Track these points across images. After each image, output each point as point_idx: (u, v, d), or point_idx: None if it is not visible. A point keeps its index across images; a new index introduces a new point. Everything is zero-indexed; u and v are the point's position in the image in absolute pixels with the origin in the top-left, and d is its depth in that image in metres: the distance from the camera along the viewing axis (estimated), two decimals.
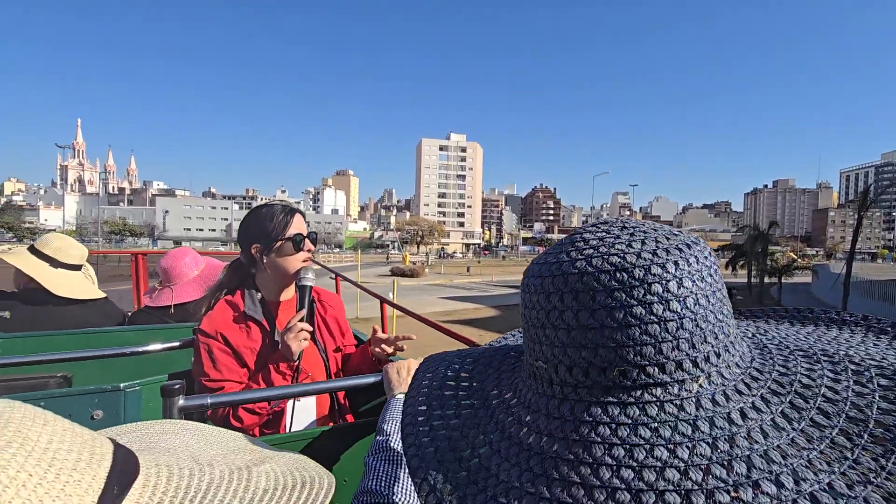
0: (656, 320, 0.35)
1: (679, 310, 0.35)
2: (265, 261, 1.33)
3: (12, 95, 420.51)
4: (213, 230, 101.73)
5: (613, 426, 0.34)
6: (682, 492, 0.30)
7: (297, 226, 1.34)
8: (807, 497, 0.29)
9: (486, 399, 0.45)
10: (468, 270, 43.29)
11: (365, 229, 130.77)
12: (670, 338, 0.35)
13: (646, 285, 0.35)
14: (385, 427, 0.84)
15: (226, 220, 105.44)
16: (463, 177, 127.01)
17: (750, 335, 0.45)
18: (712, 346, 0.36)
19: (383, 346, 1.38)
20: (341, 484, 1.01)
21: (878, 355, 0.40)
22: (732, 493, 0.30)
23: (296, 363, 1.24)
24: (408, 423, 0.47)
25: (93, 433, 0.36)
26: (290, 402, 1.28)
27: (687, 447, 0.32)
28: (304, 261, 1.35)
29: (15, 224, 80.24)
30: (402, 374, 1.03)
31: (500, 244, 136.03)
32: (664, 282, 0.35)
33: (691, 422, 0.34)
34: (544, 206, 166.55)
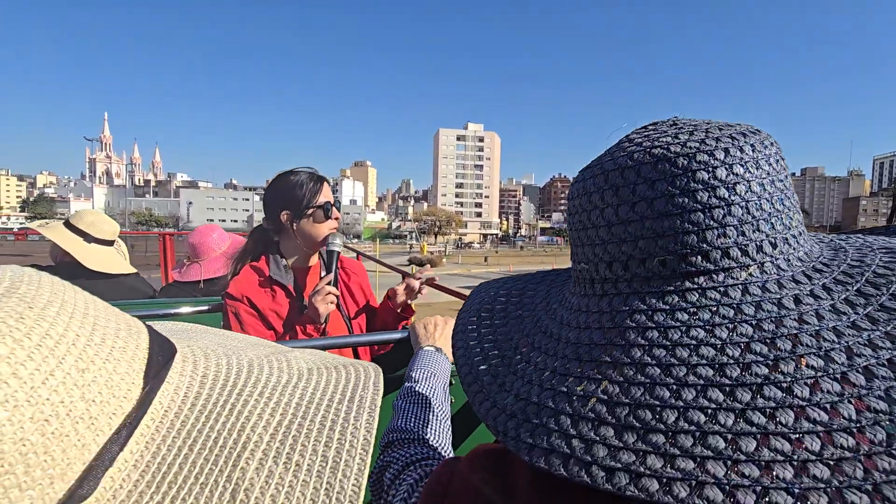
0: (700, 208, 0.33)
1: (727, 196, 0.33)
2: (295, 227, 1.36)
3: (44, 91, 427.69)
4: (235, 221, 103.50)
5: (650, 313, 0.34)
6: (716, 365, 0.29)
7: (325, 194, 1.38)
8: (860, 370, 0.27)
9: (533, 310, 0.46)
10: (486, 260, 43.22)
11: (383, 220, 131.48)
12: (715, 225, 0.33)
13: (689, 173, 0.33)
14: (413, 374, 0.84)
15: (247, 210, 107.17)
16: (480, 167, 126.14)
17: (826, 241, 0.41)
18: (766, 236, 0.34)
19: (409, 282, 1.43)
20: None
21: None
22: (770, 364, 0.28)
23: (322, 325, 1.27)
24: (458, 331, 0.48)
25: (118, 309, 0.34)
26: None
27: (726, 328, 0.31)
28: (330, 228, 1.39)
29: (48, 215, 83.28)
30: (430, 328, 1.04)
31: (518, 234, 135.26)
32: (711, 168, 0.33)
33: (734, 305, 0.32)
34: (563, 195, 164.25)
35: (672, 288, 0.34)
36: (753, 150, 0.35)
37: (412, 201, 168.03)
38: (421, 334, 1.03)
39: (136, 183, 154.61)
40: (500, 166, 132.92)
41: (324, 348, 1.18)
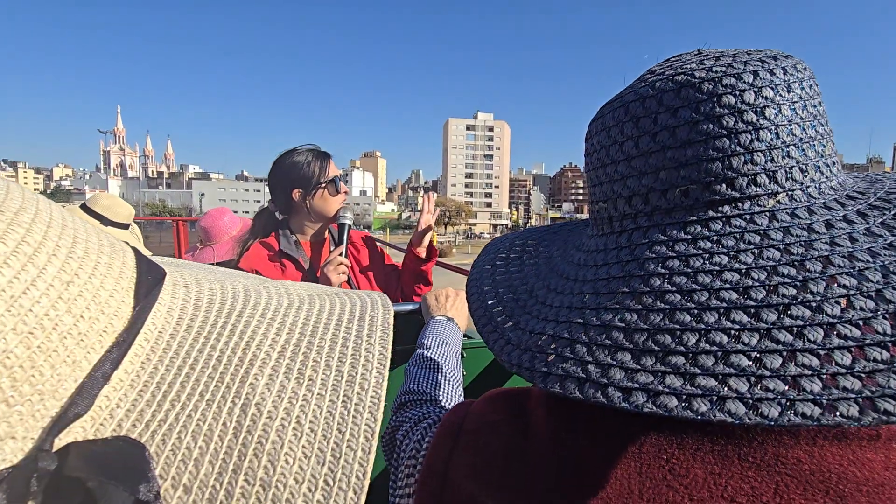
0: (725, 133, 0.31)
1: (754, 120, 0.31)
2: (308, 204, 1.38)
3: (59, 84, 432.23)
4: (247, 212, 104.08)
5: (671, 243, 0.32)
6: (741, 288, 0.28)
7: (332, 169, 1.42)
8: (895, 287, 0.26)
9: (549, 257, 0.44)
10: None
11: (393, 210, 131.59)
12: (741, 150, 0.31)
13: (715, 98, 0.31)
14: (425, 342, 0.84)
15: (258, 202, 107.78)
16: (490, 157, 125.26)
17: (861, 176, 0.38)
18: (797, 162, 0.32)
19: (421, 222, 1.48)
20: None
21: None
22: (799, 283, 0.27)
23: None
24: (472, 279, 0.47)
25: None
26: None
27: (752, 252, 0.29)
28: (342, 202, 1.43)
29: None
30: (441, 299, 1.04)
31: (528, 224, 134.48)
32: (738, 92, 0.31)
33: (761, 231, 0.30)
34: (573, 185, 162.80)
35: (695, 218, 0.32)
36: (785, 73, 0.32)
37: (422, 192, 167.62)
38: (433, 305, 1.03)
39: (150, 175, 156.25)
40: (511, 156, 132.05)
41: None
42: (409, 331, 1.51)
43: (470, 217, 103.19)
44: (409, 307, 1.10)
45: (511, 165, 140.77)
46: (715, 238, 0.31)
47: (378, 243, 1.67)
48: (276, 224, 1.43)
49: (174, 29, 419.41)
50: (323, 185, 1.37)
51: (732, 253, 0.30)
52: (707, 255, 0.30)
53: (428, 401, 0.66)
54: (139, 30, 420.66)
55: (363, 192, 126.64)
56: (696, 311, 0.28)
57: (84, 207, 2.15)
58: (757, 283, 0.28)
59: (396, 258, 1.66)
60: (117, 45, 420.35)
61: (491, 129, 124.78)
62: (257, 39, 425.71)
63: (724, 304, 0.28)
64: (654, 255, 0.32)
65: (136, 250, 0.31)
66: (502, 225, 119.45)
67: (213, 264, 2.25)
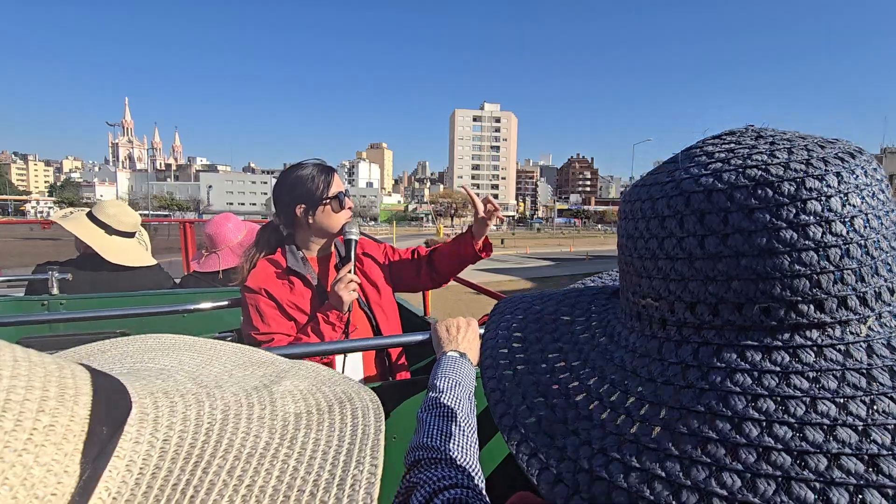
0: (813, 246, 0.27)
1: (844, 233, 0.27)
2: (311, 220, 1.37)
3: (68, 76, 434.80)
4: (254, 204, 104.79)
5: (756, 374, 0.27)
6: (866, 457, 0.23)
7: (337, 184, 1.39)
8: None
9: (575, 343, 0.39)
10: (502, 243, 42.98)
11: (399, 202, 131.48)
12: (832, 268, 0.27)
13: (799, 202, 0.27)
14: (437, 384, 0.82)
15: (265, 194, 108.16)
16: (497, 147, 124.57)
17: None
18: (885, 281, 0.28)
19: (479, 209, 1.42)
20: (390, 440, 1.00)
21: None
22: None
23: (346, 314, 1.28)
24: (488, 367, 0.42)
25: (58, 360, 0.26)
26: (341, 357, 1.31)
27: (863, 402, 0.25)
28: (347, 217, 1.41)
29: (74, 199, 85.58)
30: (452, 331, 1.00)
31: (535, 216, 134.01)
32: (824, 198, 0.27)
33: (864, 371, 0.26)
34: (581, 176, 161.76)
35: (779, 343, 0.28)
36: (866, 175, 0.29)
37: (428, 183, 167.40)
38: (444, 338, 0.99)
39: (158, 167, 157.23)
40: (517, 147, 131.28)
41: (343, 351, 1.14)
42: (424, 351, 1.55)
43: None
44: (420, 338, 1.08)
45: (518, 157, 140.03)
46: (811, 375, 0.26)
47: (373, 240, 1.64)
48: (281, 239, 1.42)
49: (181, 20, 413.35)
50: (326, 201, 1.35)
51: (839, 400, 0.25)
52: (808, 401, 0.25)
53: (443, 460, 0.64)
54: (147, 20, 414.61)
55: (370, 184, 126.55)
56: (817, 485, 0.23)
57: (90, 216, 2.13)
58: (886, 452, 0.23)
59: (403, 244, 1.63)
60: (127, 36, 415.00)
61: (498, 121, 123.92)
62: (264, 31, 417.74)
63: (853, 480, 0.22)
64: (739, 390, 0.27)
65: (96, 382, 0.26)
66: (509, 216, 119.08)
67: (218, 272, 2.29)
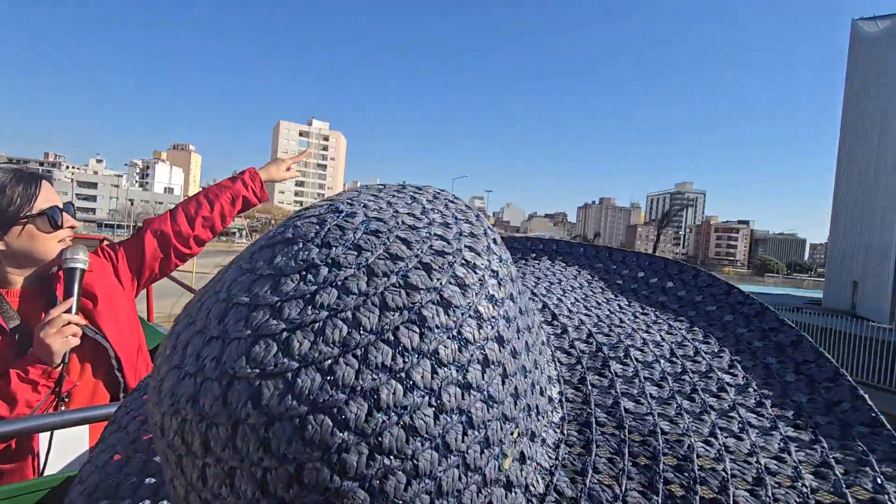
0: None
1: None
2: (6, 246, 1.04)
3: None
4: None
5: None
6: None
7: (47, 196, 1.08)
8: None
9: None
10: None
11: None
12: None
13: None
14: None
15: None
16: (324, 166, 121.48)
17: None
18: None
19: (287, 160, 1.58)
20: None
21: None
22: None
23: (59, 367, 0.98)
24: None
25: None
26: (46, 434, 0.95)
27: None
28: (61, 240, 1.10)
29: None
30: None
31: None
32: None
33: None
34: None
35: None
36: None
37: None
38: None
39: None
40: (346, 168, 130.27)
41: (48, 428, 0.88)
42: None
43: None
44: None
45: (346, 177, 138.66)
46: None
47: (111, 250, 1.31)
48: None
49: None
50: (25, 219, 1.04)
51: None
52: None
53: None
54: None
55: (169, 190, 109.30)
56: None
57: None
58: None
59: None
60: None
61: (326, 139, 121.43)
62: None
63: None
64: None
65: None
66: None
67: None
